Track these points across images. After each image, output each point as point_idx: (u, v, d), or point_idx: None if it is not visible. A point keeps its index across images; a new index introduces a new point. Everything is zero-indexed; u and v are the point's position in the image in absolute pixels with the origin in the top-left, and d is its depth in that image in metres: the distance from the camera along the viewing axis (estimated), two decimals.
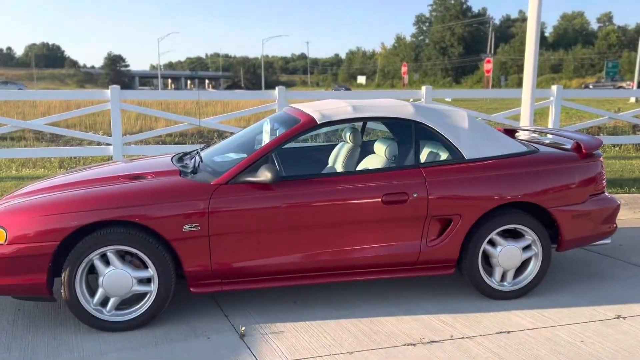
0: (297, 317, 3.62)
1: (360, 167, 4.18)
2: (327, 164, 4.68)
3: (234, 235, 3.48)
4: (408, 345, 3.25)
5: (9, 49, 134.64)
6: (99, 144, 9.75)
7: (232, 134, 12.48)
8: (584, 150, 3.99)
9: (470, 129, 3.91)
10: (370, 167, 3.98)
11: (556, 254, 4.60)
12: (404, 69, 43.65)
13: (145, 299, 3.46)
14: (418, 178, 3.68)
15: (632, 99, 34.76)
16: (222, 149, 4.33)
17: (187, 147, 8.61)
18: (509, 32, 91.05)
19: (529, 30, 6.73)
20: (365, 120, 3.92)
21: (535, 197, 3.79)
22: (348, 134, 4.49)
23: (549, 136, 4.96)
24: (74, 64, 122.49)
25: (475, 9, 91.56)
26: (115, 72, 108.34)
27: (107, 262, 3.39)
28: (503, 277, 3.90)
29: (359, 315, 3.64)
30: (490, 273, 3.89)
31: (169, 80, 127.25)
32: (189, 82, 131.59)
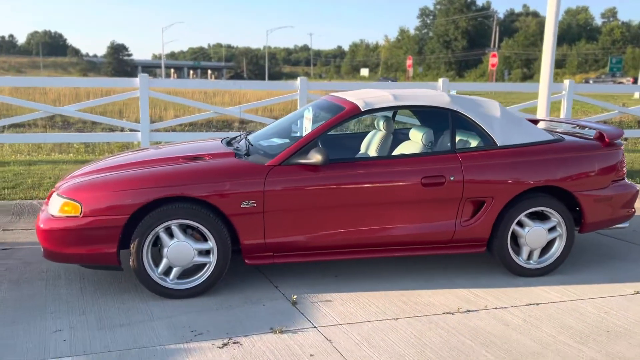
0: (341, 289, 3.93)
1: (396, 153, 4.47)
2: (360, 150, 4.98)
3: (285, 212, 3.78)
4: (447, 313, 3.57)
5: (10, 36, 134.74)
6: (122, 129, 10.06)
7: (242, 122, 12.82)
8: (606, 140, 4.30)
9: (502, 118, 4.21)
10: (406, 153, 4.28)
11: (578, 236, 4.91)
12: (409, 62, 43.82)
13: (205, 269, 3.77)
14: (455, 162, 3.98)
15: (637, 94, 34.96)
16: (266, 135, 4.63)
17: (203, 134, 8.92)
18: (513, 26, 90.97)
19: (547, 26, 6.98)
20: (405, 108, 4.21)
21: (562, 181, 4.10)
22: (381, 122, 4.78)
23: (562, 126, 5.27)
24: (76, 52, 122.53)
25: (480, 2, 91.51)
26: (118, 61, 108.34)
27: (171, 235, 3.70)
28: (529, 255, 4.21)
29: (398, 288, 3.96)
30: (517, 252, 4.20)
31: (172, 70, 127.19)
32: (191, 72, 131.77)
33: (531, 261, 4.21)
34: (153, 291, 3.71)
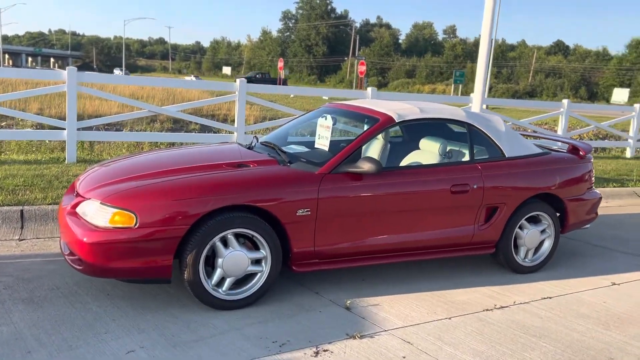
0: (376, 292, 4.10)
1: (408, 162, 4.74)
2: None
3: (334, 219, 3.86)
4: (487, 310, 3.93)
5: None
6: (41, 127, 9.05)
7: (175, 121, 12.15)
8: (582, 153, 5.00)
9: (506, 131, 4.69)
10: (424, 163, 4.56)
11: None
12: (280, 64, 44.44)
13: (256, 278, 3.70)
14: (476, 172, 4.36)
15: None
16: (281, 141, 4.64)
17: (142, 135, 8.38)
18: (369, 36, 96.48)
19: (481, 49, 7.70)
20: (430, 120, 4.48)
21: (555, 189, 4.70)
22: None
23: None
24: None
25: (339, 10, 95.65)
26: None
27: (225, 245, 3.58)
28: (525, 255, 4.75)
29: (426, 290, 4.23)
30: (516, 252, 4.71)
31: (6, 56, 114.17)
32: (29, 59, 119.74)
33: (527, 259, 4.76)
34: (206, 303, 3.56)
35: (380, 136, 4.99)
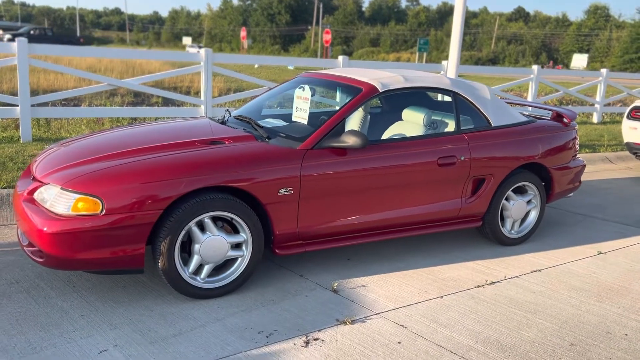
0: (363, 272, 3.91)
1: (390, 134, 4.51)
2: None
3: (318, 197, 3.61)
4: (478, 287, 3.79)
5: None
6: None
7: (137, 95, 11.59)
8: (567, 120, 4.86)
9: (492, 100, 4.50)
10: (408, 134, 4.34)
11: None
12: (243, 33, 43.28)
13: (236, 264, 3.45)
14: (463, 143, 4.17)
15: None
16: (255, 115, 4.34)
17: (102, 110, 7.88)
18: (332, 4, 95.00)
19: (456, 13, 7.47)
20: (414, 89, 4.23)
21: (541, 158, 4.55)
22: None
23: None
24: None
25: None
26: None
27: (202, 229, 3.30)
28: (512, 226, 4.62)
29: (415, 267, 4.06)
30: (502, 224, 4.57)
31: None
32: None
33: (512, 231, 4.63)
34: (183, 293, 3.29)
35: (360, 107, 4.73)
